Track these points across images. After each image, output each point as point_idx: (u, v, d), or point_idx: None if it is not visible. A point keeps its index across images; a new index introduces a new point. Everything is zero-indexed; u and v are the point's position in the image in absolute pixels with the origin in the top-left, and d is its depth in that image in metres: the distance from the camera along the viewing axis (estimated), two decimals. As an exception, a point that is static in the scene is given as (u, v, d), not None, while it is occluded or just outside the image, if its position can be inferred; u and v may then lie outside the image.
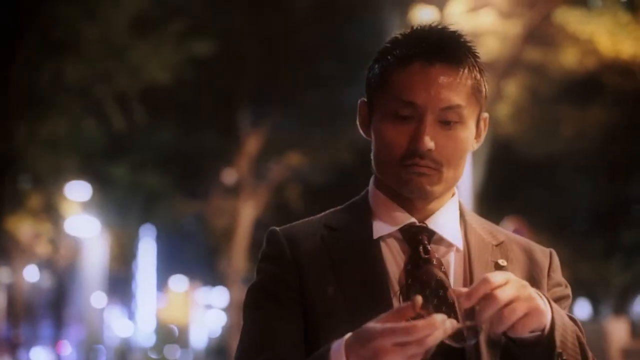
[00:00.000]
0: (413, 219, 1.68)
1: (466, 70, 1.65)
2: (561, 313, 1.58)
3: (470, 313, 1.53)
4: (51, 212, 24.41)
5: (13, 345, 35.06)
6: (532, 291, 1.52)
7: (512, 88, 16.45)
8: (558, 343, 1.54)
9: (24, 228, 24.87)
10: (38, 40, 12.87)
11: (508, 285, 1.48)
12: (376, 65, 1.70)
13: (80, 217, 25.60)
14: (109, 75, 13.73)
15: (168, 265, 36.86)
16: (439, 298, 1.56)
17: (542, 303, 1.52)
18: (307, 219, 1.77)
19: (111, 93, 14.23)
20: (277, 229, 1.74)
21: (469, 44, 1.69)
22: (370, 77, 1.71)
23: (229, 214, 21.28)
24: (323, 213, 1.77)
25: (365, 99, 1.74)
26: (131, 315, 32.29)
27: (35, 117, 14.63)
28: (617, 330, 14.88)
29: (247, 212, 20.52)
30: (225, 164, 21.37)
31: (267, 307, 1.66)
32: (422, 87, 1.62)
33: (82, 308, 30.60)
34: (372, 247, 1.66)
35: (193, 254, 32.46)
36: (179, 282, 38.65)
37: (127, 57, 13.59)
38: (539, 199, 20.72)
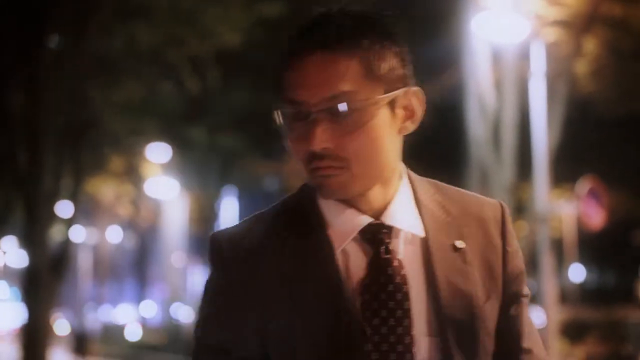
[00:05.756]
0: (369, 219, 1.55)
1: (350, 52, 1.50)
2: None
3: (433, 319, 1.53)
4: (132, 174, 24.86)
5: (100, 303, 36.02)
6: None
7: (592, 45, 15.99)
8: None
9: (106, 190, 25.40)
10: (110, 8, 13.00)
11: None
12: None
13: (160, 178, 26.00)
14: (180, 40, 13.80)
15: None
16: (395, 302, 1.53)
17: None
18: (252, 219, 1.63)
19: (184, 57, 14.32)
20: (220, 238, 1.60)
21: (361, 23, 1.53)
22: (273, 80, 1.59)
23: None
24: (270, 208, 1.63)
25: None
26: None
27: (110, 83, 14.84)
28: None
29: (323, 173, 20.53)
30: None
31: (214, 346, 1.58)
32: (302, 82, 1.50)
33: (164, 268, 31.19)
34: (328, 257, 1.55)
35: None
36: (260, 241, 39.07)
37: (197, 21, 13.63)
38: (621, 158, 20.24)
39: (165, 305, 30.70)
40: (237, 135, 21.69)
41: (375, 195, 1.57)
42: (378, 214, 1.57)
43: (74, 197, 13.78)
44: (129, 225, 34.30)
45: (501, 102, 14.32)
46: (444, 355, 1.53)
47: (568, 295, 20.03)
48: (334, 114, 1.49)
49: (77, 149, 13.53)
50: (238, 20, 14.03)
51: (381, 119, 1.52)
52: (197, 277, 34.05)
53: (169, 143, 23.70)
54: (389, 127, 1.53)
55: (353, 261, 1.56)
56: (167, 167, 25.49)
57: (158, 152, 24.52)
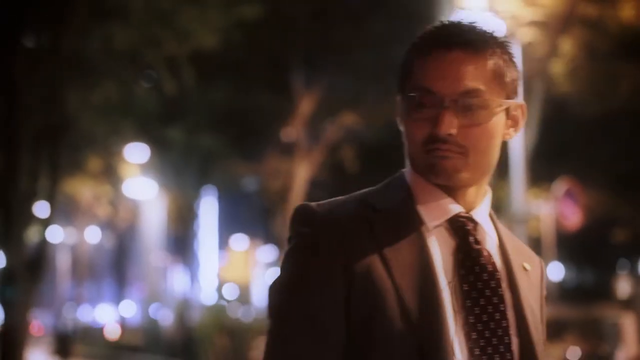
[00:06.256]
0: (461, 209, 1.67)
1: (485, 56, 1.65)
2: None
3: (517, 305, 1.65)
4: (110, 175, 24.78)
5: (78, 304, 35.86)
6: None
7: (568, 45, 16.09)
8: None
9: (84, 190, 25.31)
10: (87, 8, 12.96)
11: None
12: (403, 60, 1.72)
13: (139, 179, 25.93)
14: (157, 41, 13.78)
15: (229, 224, 37.21)
16: (491, 289, 1.64)
17: None
18: (340, 198, 1.70)
19: (161, 58, 14.31)
20: (312, 205, 1.66)
21: (493, 33, 1.69)
22: (399, 72, 1.72)
23: (284, 175, 21.36)
24: (358, 192, 1.71)
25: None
26: (193, 274, 32.78)
27: (86, 84, 14.80)
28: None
29: (302, 173, 20.57)
30: (280, 125, 21.41)
31: (304, 324, 1.59)
32: (439, 74, 1.63)
33: (142, 268, 31.11)
34: (420, 235, 1.65)
35: (253, 213, 32.71)
36: (239, 241, 39.05)
37: (174, 22, 13.62)
38: (598, 157, 20.38)
39: (144, 305, 30.62)
40: (217, 135, 21.69)
41: (471, 193, 1.69)
42: (467, 210, 1.69)
43: (50, 198, 13.73)
44: (107, 225, 34.21)
45: (478, 102, 14.37)
46: (527, 354, 1.66)
47: (547, 293, 20.13)
48: (464, 106, 1.62)
49: (55, 149, 13.48)
50: (216, 22, 14.02)
51: (498, 121, 1.67)
52: (176, 277, 33.99)
53: (147, 143, 23.65)
54: (501, 130, 1.69)
55: (438, 245, 1.66)
56: (146, 168, 25.43)
57: (136, 153, 24.46)
